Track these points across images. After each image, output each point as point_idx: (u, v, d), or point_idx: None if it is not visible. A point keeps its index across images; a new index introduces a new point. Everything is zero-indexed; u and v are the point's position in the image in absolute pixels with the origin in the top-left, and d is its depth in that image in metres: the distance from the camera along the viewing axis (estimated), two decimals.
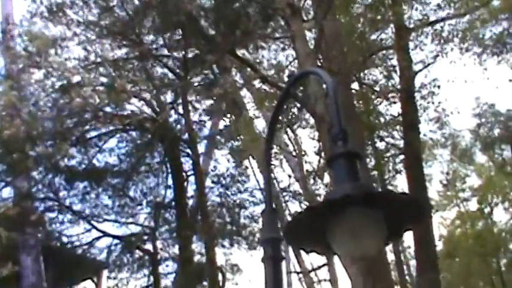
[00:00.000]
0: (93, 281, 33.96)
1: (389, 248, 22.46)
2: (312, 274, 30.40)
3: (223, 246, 16.61)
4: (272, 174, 19.14)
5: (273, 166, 19.32)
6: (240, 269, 15.28)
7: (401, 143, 17.65)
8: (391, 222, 3.93)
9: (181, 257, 14.38)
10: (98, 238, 18.98)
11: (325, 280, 28.02)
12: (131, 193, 19.24)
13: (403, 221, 4.11)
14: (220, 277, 14.30)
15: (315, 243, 4.18)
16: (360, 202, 3.90)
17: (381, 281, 9.61)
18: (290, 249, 28.22)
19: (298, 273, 29.80)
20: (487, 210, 37.08)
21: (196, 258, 16.19)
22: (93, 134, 18.23)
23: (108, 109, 16.76)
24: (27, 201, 17.06)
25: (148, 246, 18.32)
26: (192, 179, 18.93)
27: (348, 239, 3.99)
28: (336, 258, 28.62)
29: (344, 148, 4.14)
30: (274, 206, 5.15)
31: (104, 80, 15.92)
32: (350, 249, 4.13)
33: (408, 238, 27.16)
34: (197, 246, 16.61)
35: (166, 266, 17.38)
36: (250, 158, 20.44)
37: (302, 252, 32.81)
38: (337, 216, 3.94)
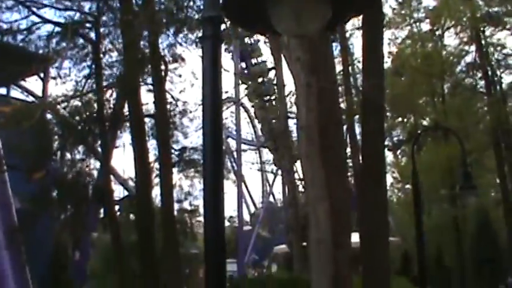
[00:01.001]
0: (39, 77, 33.68)
1: (337, 60, 22.55)
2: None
3: (167, 36, 15.78)
4: None
5: None
6: (184, 59, 14.80)
7: None
8: (338, 3, 3.68)
9: (124, 44, 13.83)
10: (37, 24, 17.98)
11: (272, 84, 28.42)
12: None
13: (352, 3, 3.88)
14: (163, 67, 13.95)
15: (256, 20, 3.93)
16: None
17: (325, 79, 9.56)
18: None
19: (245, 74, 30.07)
20: (438, 32, 37.22)
21: (141, 47, 15.53)
22: None
23: None
24: None
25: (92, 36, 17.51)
26: None
27: (289, 16, 3.77)
28: (284, 64, 28.85)
29: None
30: None
31: None
32: (290, 26, 3.92)
33: (358, 50, 27.27)
34: (142, 36, 15.82)
35: (110, 57, 16.75)
36: None
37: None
38: None
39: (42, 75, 33.57)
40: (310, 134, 8.71)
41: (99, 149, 15.60)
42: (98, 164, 17.54)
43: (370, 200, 13.97)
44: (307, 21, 3.83)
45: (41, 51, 19.35)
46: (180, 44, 16.08)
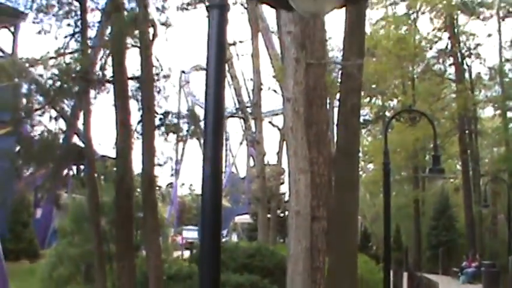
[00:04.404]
0: (10, 31, 33.10)
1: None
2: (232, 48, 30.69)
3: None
4: None
5: None
6: (171, 24, 14.48)
7: None
8: None
9: (112, 5, 13.57)
10: None
11: (246, 54, 28.41)
12: None
13: None
14: (151, 31, 13.76)
15: None
16: None
17: (312, 55, 9.74)
18: None
19: None
20: (413, 16, 37.53)
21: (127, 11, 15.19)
22: None
23: None
24: None
25: None
26: None
27: None
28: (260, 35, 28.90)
29: None
30: None
31: None
32: (307, 5, 4.02)
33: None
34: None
35: (93, 16, 16.29)
36: None
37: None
38: None
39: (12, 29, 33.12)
40: (296, 106, 8.89)
41: (71, 109, 15.53)
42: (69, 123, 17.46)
43: (341, 177, 14.24)
44: (323, 0, 3.92)
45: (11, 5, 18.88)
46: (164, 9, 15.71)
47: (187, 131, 13.31)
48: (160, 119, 12.47)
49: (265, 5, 5.50)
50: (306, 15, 8.54)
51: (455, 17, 37.02)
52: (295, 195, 8.68)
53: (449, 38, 37.40)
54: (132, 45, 12.75)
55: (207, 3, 4.62)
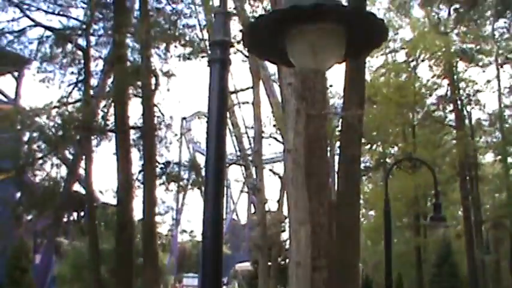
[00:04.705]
0: (13, 77, 33.41)
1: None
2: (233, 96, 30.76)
3: (157, 48, 15.45)
4: None
5: None
6: (174, 74, 14.60)
7: None
8: (352, 40, 3.89)
9: (115, 56, 13.69)
10: (29, 27, 17.65)
11: (247, 102, 28.49)
12: None
13: (365, 40, 4.08)
14: (153, 81, 13.89)
15: (273, 51, 4.12)
16: (323, 15, 3.83)
17: (313, 106, 9.85)
18: None
19: None
20: (413, 64, 37.95)
21: (130, 62, 15.36)
22: None
23: None
24: None
25: (82, 44, 17.24)
26: None
27: (307, 51, 3.96)
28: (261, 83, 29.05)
29: None
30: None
31: None
32: (307, 61, 4.11)
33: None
34: (131, 48, 15.58)
35: (96, 65, 16.52)
36: None
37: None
38: (300, 27, 3.87)
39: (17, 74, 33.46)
40: (296, 157, 8.95)
41: (72, 157, 15.63)
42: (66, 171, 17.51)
43: (342, 226, 14.23)
44: (323, 57, 4.01)
45: (22, 54, 19.16)
46: (168, 50, 15.81)
47: (187, 180, 13.39)
48: (161, 168, 12.56)
49: (266, 60, 5.60)
50: (307, 71, 8.73)
51: (455, 64, 37.38)
52: (296, 246, 8.68)
53: (448, 84, 37.72)
54: (134, 95, 12.91)
55: (209, 56, 4.73)
